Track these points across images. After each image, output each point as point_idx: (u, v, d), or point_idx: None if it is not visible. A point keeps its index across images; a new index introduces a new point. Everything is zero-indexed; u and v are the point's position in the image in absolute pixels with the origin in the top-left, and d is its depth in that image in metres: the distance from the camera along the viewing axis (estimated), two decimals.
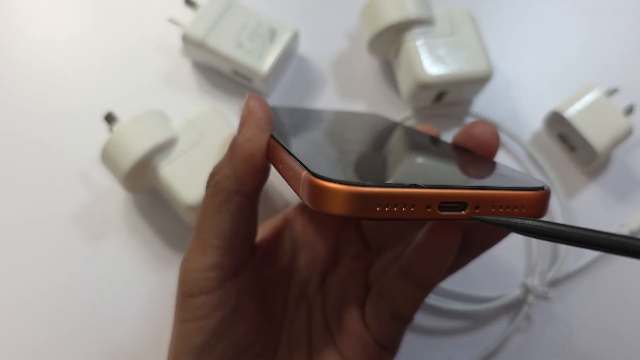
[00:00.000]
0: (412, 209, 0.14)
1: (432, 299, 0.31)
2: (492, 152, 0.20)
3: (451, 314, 0.32)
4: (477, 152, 0.20)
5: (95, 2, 0.38)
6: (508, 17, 0.39)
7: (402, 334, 0.22)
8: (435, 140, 0.23)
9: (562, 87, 0.37)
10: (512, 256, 0.33)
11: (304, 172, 0.15)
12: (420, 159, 0.20)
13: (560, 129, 0.35)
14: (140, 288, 0.31)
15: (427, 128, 0.25)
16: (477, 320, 0.32)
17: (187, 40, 0.33)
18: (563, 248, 0.32)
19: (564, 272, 0.32)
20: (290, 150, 0.17)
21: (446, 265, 0.20)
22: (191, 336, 0.20)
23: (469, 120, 0.36)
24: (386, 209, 0.14)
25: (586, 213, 0.34)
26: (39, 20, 0.37)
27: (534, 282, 0.31)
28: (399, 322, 0.21)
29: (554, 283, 0.32)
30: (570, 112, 0.33)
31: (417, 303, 0.20)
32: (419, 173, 0.16)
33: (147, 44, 0.37)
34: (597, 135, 0.32)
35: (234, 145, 0.19)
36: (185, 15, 0.34)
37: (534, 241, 0.33)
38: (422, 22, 0.32)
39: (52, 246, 0.32)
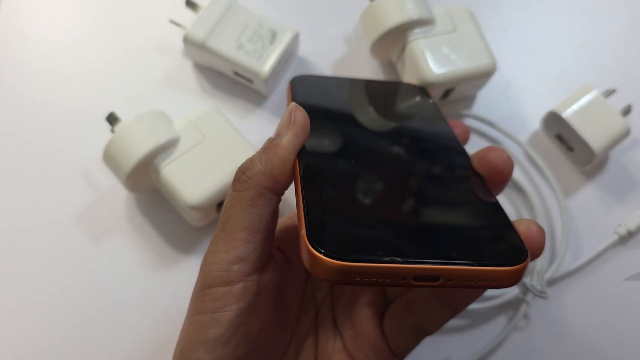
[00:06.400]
0: (388, 280, 0.16)
1: None
2: (505, 179, 0.21)
3: None
4: (488, 179, 0.21)
5: (97, 4, 0.38)
6: (507, 18, 0.40)
7: (417, 344, 0.22)
8: (455, 152, 0.23)
9: (560, 87, 0.37)
10: None
11: (303, 231, 0.17)
12: (419, 206, 0.20)
13: (558, 129, 0.35)
14: (143, 287, 0.31)
15: (458, 124, 0.26)
16: (475, 319, 0.32)
17: (188, 41, 0.33)
18: (561, 247, 0.33)
19: (562, 271, 0.33)
20: (303, 185, 0.19)
21: (483, 292, 0.20)
22: (206, 328, 0.20)
23: (469, 121, 0.36)
24: (365, 280, 0.16)
25: (584, 213, 0.34)
26: (41, 22, 0.37)
27: (533, 281, 0.31)
28: (421, 335, 0.22)
29: (552, 282, 0.33)
30: (568, 113, 0.33)
31: (444, 322, 0.21)
32: (409, 232, 0.18)
33: (148, 45, 0.37)
34: (594, 136, 0.33)
35: (274, 145, 0.20)
36: (186, 16, 0.34)
37: None
38: (424, 22, 0.32)
39: (54, 246, 0.32)
